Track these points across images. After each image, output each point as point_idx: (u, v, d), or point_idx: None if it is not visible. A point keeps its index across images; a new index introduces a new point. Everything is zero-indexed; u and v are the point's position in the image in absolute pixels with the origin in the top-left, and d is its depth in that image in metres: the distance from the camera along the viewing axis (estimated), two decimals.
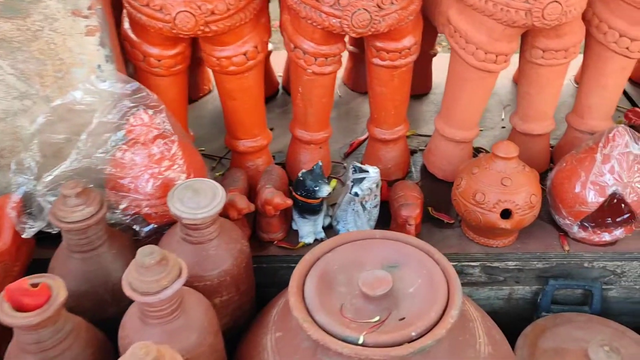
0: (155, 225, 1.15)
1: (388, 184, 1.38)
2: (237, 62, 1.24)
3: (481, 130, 1.61)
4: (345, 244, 1.03)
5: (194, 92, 1.74)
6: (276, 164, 1.47)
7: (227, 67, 1.25)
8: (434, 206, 1.40)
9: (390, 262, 0.99)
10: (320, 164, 1.23)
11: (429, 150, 1.52)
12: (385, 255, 1.00)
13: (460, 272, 1.32)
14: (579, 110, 1.46)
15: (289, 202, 1.22)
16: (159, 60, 1.23)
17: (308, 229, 1.29)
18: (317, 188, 1.21)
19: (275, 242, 1.30)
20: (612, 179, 1.19)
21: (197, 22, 1.12)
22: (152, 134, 1.09)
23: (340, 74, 1.78)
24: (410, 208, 1.24)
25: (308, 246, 1.30)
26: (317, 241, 1.30)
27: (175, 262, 0.86)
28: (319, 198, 1.22)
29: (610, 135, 1.20)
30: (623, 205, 1.23)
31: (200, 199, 1.00)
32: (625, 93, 1.86)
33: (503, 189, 1.20)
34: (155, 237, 1.13)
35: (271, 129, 1.46)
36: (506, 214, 1.22)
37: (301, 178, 1.23)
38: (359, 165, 1.22)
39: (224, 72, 1.27)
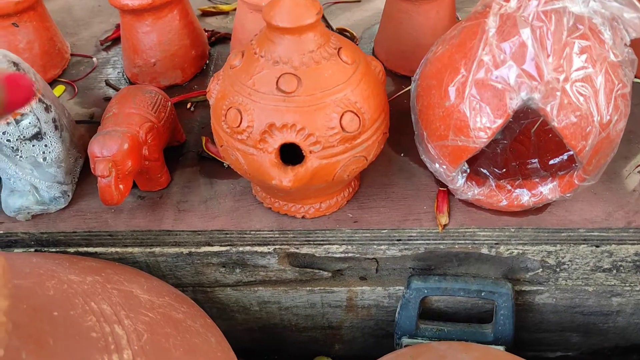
0: None
1: None
2: None
3: None
4: None
5: None
6: None
7: None
8: None
9: None
10: None
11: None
12: None
13: (241, 264, 0.68)
14: None
15: None
16: None
17: None
18: None
19: None
20: (518, 71, 0.51)
21: None
22: None
23: None
24: (104, 142, 0.59)
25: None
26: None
27: None
28: None
29: None
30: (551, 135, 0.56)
31: None
32: None
33: (281, 101, 0.54)
34: None
35: None
36: (296, 155, 0.57)
37: None
38: None
39: None
